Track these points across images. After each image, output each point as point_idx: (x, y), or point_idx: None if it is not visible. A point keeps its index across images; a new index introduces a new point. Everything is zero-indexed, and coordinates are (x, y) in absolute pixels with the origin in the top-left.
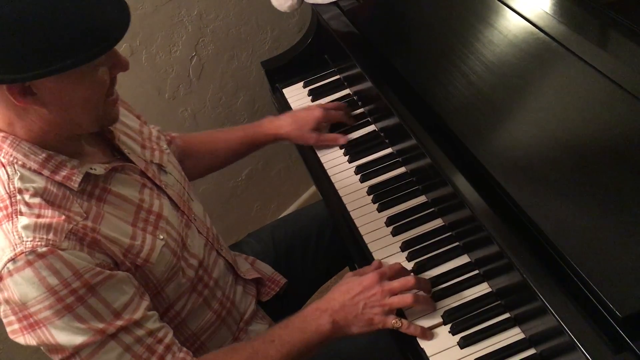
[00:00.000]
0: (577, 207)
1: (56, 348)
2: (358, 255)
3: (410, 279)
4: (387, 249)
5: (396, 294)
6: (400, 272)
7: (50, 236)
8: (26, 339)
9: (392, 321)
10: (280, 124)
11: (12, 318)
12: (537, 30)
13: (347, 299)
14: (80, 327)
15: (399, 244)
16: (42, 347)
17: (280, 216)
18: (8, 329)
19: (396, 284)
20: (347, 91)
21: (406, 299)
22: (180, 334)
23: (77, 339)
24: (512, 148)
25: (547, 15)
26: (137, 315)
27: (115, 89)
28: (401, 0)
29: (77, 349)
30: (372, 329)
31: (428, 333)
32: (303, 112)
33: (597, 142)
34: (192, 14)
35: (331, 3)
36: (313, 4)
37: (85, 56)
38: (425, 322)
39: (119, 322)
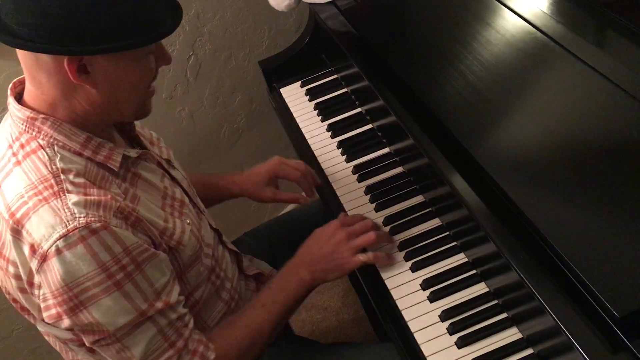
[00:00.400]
0: (574, 207)
1: (94, 329)
2: None
3: (368, 221)
4: (384, 248)
5: (358, 237)
6: (359, 217)
7: (101, 212)
8: (65, 322)
9: (360, 257)
10: (234, 180)
11: (52, 302)
12: (534, 29)
13: (316, 250)
14: (125, 306)
15: (397, 243)
16: (76, 328)
17: (277, 216)
18: (45, 314)
19: (357, 226)
20: (344, 90)
21: (369, 236)
22: (195, 324)
23: (120, 320)
24: (509, 148)
25: (545, 14)
26: (173, 298)
27: (154, 83)
28: (399, 0)
29: (118, 330)
30: (345, 271)
31: (392, 257)
32: (260, 166)
33: (594, 142)
34: (189, 13)
35: (328, 2)
36: (310, 4)
37: (145, 39)
38: (425, 322)
39: (159, 304)
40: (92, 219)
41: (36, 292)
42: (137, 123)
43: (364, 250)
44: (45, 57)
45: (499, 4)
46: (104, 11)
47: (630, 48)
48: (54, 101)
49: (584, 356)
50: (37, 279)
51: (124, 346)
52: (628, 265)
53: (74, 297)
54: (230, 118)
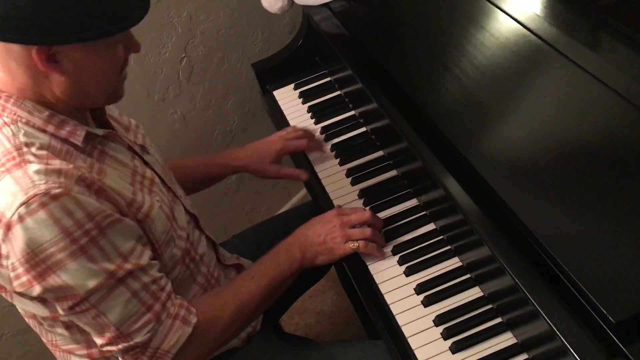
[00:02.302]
0: (570, 211)
1: (66, 293)
2: (348, 256)
3: (366, 213)
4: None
5: (354, 227)
6: (358, 209)
7: (62, 179)
8: (36, 289)
9: (350, 245)
10: (237, 156)
11: (21, 270)
12: (528, 32)
13: (311, 232)
14: (92, 269)
15: (391, 247)
16: (49, 296)
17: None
18: (15, 284)
19: (354, 216)
20: (338, 93)
21: (365, 231)
22: None
23: (90, 282)
24: (503, 151)
25: (539, 17)
26: (143, 260)
27: (126, 70)
28: (392, 2)
29: (89, 293)
30: (334, 257)
31: (382, 251)
32: (263, 144)
33: (588, 145)
34: (181, 15)
35: (322, 5)
36: (304, 6)
37: (112, 29)
38: (418, 327)
39: (128, 266)
40: (52, 185)
41: (4, 262)
42: (115, 110)
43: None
44: (14, 46)
45: (493, 6)
46: (72, 1)
47: (624, 51)
48: (23, 87)
49: None
50: (4, 248)
51: (99, 312)
52: (624, 269)
53: (41, 262)
54: (223, 120)
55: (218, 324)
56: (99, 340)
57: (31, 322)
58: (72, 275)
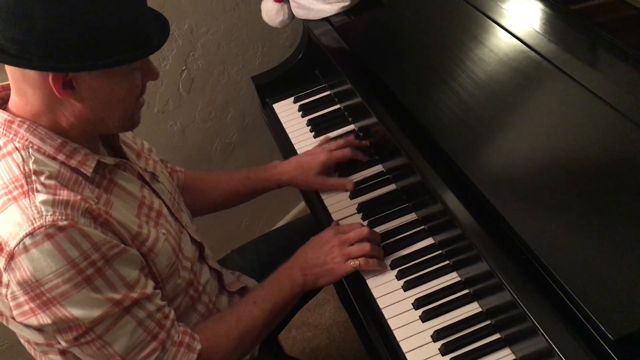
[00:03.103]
0: (568, 227)
1: (71, 324)
2: None
3: (364, 229)
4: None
5: (353, 245)
6: (355, 225)
7: (69, 211)
8: (39, 319)
9: (351, 263)
10: (283, 170)
11: (22, 299)
12: (527, 48)
13: (310, 254)
14: (98, 299)
15: (389, 262)
16: (51, 327)
17: (266, 232)
18: (16, 312)
19: (352, 234)
20: (337, 107)
21: (364, 247)
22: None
23: (94, 312)
24: (502, 166)
25: (537, 33)
26: (148, 290)
27: (143, 96)
28: (392, 17)
29: (94, 323)
30: (336, 277)
31: (383, 265)
32: (308, 156)
33: (587, 161)
34: (182, 27)
35: (322, 19)
36: (304, 20)
37: (130, 56)
38: (417, 342)
39: (134, 295)
40: (59, 217)
41: (3, 290)
42: (128, 133)
43: None
44: (31, 71)
45: (493, 22)
46: (90, 28)
47: (623, 67)
48: (37, 112)
49: None
50: (5, 277)
51: (105, 342)
52: (622, 287)
53: (46, 292)
54: (223, 133)
55: (221, 350)
56: None
57: (26, 345)
58: (77, 306)
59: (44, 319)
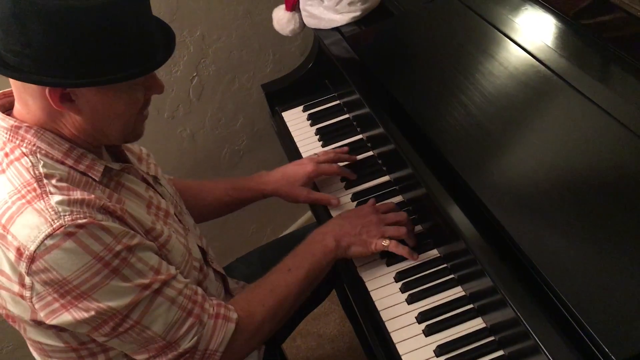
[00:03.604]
0: (575, 245)
1: (106, 316)
2: (348, 279)
3: (403, 213)
4: (380, 279)
5: (389, 225)
6: (394, 208)
7: (85, 209)
8: (73, 314)
9: (383, 242)
10: (267, 180)
11: (51, 298)
12: (537, 62)
13: (347, 222)
14: (128, 287)
15: (393, 274)
16: (86, 325)
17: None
18: (45, 312)
19: (391, 215)
20: (346, 116)
21: (401, 230)
22: None
23: (127, 299)
24: (508, 181)
25: (548, 48)
26: (173, 270)
27: (148, 108)
28: (402, 29)
29: (128, 310)
30: (367, 251)
31: (415, 254)
32: (294, 166)
33: (596, 178)
34: (194, 34)
35: (333, 28)
36: (314, 29)
37: (130, 73)
38: (419, 356)
39: (161, 277)
40: (78, 215)
41: (28, 293)
42: None
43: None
44: None
45: (504, 36)
46: (89, 44)
47: (634, 84)
48: (39, 121)
49: None
50: (28, 280)
51: (143, 327)
52: (628, 308)
53: (74, 288)
54: (232, 140)
55: (258, 319)
56: (144, 356)
57: (36, 354)
58: (109, 296)
59: (78, 313)
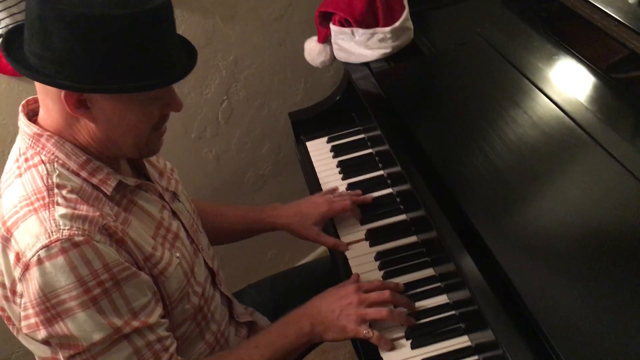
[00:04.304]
0: (582, 307)
1: (70, 342)
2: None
3: (386, 292)
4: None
5: (372, 306)
6: (378, 286)
7: (86, 227)
8: (42, 334)
9: (364, 331)
10: (280, 214)
11: (31, 311)
12: (563, 114)
13: (325, 305)
14: (100, 322)
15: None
16: (55, 341)
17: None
18: (23, 324)
19: (373, 295)
20: (369, 151)
21: (381, 311)
22: None
23: (95, 335)
24: (522, 233)
25: (576, 100)
26: (152, 319)
27: (165, 124)
28: (430, 69)
29: (92, 345)
30: (346, 336)
31: (390, 344)
32: (309, 205)
33: (612, 240)
34: (227, 59)
35: (362, 63)
36: (344, 62)
37: (147, 84)
38: None
39: (135, 323)
40: (76, 232)
41: (18, 300)
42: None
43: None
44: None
45: (531, 84)
46: (105, 51)
47: None
48: (58, 127)
49: None
50: (19, 287)
51: None
52: None
53: (51, 307)
54: (257, 164)
55: None
56: None
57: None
58: (78, 325)
59: (46, 334)
